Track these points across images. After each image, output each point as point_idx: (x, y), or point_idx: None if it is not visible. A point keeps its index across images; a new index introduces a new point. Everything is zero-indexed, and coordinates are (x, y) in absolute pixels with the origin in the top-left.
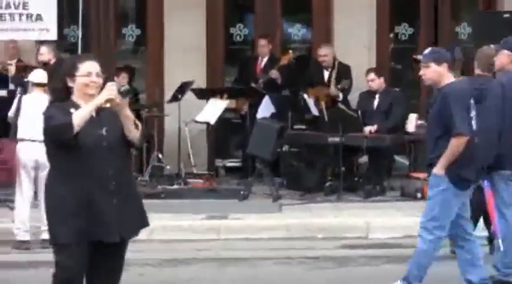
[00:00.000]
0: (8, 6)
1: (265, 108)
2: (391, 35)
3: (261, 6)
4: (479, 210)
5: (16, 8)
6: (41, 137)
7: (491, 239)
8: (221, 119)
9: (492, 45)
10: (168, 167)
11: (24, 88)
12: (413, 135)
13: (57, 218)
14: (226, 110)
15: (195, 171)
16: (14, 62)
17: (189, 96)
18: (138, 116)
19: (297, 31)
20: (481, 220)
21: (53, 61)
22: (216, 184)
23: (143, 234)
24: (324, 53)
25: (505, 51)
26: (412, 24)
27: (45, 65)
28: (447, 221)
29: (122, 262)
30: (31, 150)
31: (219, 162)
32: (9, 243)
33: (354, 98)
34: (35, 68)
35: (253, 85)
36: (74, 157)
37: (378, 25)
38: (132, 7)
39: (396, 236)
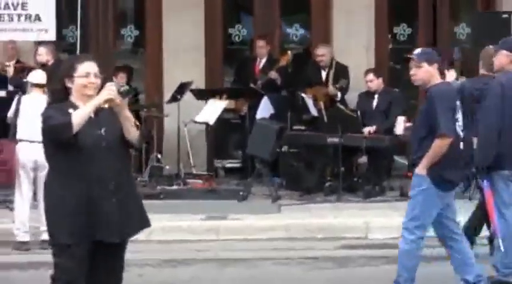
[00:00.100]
0: (6, 6)
1: (265, 109)
2: (390, 36)
3: (259, 7)
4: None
5: (15, 8)
6: (40, 138)
7: (491, 239)
8: (220, 119)
9: (491, 46)
10: (167, 167)
11: (23, 89)
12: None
13: (56, 219)
14: (226, 111)
15: (194, 172)
16: (12, 62)
17: (188, 96)
18: (137, 116)
19: (295, 32)
20: None
21: (51, 62)
22: (215, 184)
23: (142, 235)
24: (321, 53)
25: (504, 52)
26: (410, 24)
27: (43, 66)
28: (428, 221)
29: (122, 262)
30: (30, 151)
31: (218, 163)
32: (9, 244)
33: (352, 98)
34: (34, 68)
35: (252, 86)
36: (72, 157)
37: (377, 26)
38: (131, 8)
39: (395, 237)
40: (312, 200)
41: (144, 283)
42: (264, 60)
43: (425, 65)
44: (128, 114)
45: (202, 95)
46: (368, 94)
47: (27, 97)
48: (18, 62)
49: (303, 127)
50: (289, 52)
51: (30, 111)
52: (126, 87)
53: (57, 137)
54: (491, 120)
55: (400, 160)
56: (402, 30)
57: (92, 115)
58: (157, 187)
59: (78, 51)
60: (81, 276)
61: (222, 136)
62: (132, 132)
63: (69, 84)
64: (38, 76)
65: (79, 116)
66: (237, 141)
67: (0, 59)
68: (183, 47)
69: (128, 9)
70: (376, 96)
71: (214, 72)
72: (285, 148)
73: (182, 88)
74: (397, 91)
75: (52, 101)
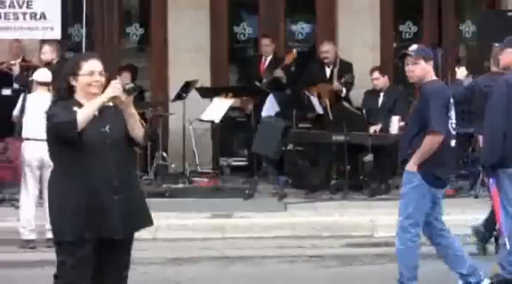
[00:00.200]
0: (12, 5)
1: (270, 107)
2: (395, 34)
3: (264, 6)
4: None
5: (20, 7)
6: (45, 136)
7: (496, 237)
8: (226, 118)
9: (496, 44)
10: (173, 165)
11: (29, 87)
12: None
13: (59, 216)
14: (231, 109)
15: (199, 170)
16: (18, 61)
17: (194, 94)
18: (142, 115)
19: (300, 30)
20: None
21: (55, 60)
22: (220, 182)
23: (148, 233)
24: (325, 50)
25: (509, 50)
26: (416, 22)
27: (47, 64)
28: (421, 218)
29: (128, 260)
30: (36, 149)
31: (223, 161)
32: (14, 242)
33: (357, 96)
34: (39, 67)
35: (257, 84)
36: (77, 155)
37: (382, 24)
38: (136, 6)
39: None
40: (317, 198)
41: (149, 281)
42: (269, 59)
43: (422, 61)
44: (133, 111)
45: (208, 93)
46: (373, 93)
47: (32, 95)
48: (23, 60)
49: (308, 126)
50: (294, 50)
51: (36, 109)
52: (132, 85)
53: (62, 135)
54: (496, 118)
55: None
56: (407, 28)
57: (97, 113)
58: (163, 186)
59: (83, 50)
60: (84, 274)
61: (228, 134)
62: (137, 130)
63: (73, 83)
64: (42, 74)
65: (84, 114)
66: (243, 139)
67: (5, 58)
68: (188, 46)
69: (133, 7)
70: (381, 94)
71: (219, 71)
72: (290, 146)
73: (187, 86)
74: (402, 88)
75: (57, 99)
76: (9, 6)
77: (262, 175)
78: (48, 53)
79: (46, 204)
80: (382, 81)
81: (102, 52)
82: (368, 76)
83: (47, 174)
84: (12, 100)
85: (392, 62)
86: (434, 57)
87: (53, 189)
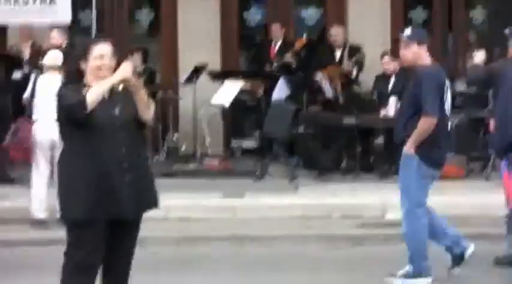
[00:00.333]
0: None
1: (281, 90)
2: (405, 19)
3: None
4: None
5: None
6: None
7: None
8: (237, 101)
9: (507, 29)
10: (183, 147)
11: (39, 70)
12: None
13: (69, 195)
14: (242, 92)
15: (210, 152)
16: (28, 44)
17: (204, 78)
18: (153, 97)
19: (310, 15)
20: None
21: (64, 45)
22: (231, 164)
23: (159, 213)
24: (334, 33)
25: None
26: (426, 7)
27: (56, 49)
28: (425, 198)
29: (135, 241)
30: (47, 130)
31: (234, 143)
32: (26, 222)
33: (367, 80)
34: (49, 50)
35: (267, 68)
36: (86, 136)
37: (392, 8)
38: None
39: None
40: (328, 179)
41: (160, 260)
42: (279, 43)
43: (414, 45)
44: (143, 94)
45: (218, 77)
46: (384, 77)
47: (43, 78)
48: (33, 44)
49: (319, 108)
50: (303, 36)
51: (46, 91)
52: (142, 67)
53: (72, 115)
54: (506, 102)
55: None
56: (418, 14)
57: (107, 95)
58: (174, 166)
59: (93, 34)
60: (94, 254)
61: (238, 117)
62: (146, 112)
63: (83, 66)
64: (53, 57)
65: (94, 94)
66: (254, 122)
67: (15, 42)
68: (198, 30)
69: None
70: (392, 78)
71: (229, 56)
72: (301, 129)
73: (197, 70)
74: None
75: (67, 82)
76: None
77: (273, 158)
78: (57, 38)
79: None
80: (392, 65)
81: (112, 37)
82: (378, 61)
83: (58, 155)
84: (23, 83)
85: None
86: (444, 43)
87: (62, 168)
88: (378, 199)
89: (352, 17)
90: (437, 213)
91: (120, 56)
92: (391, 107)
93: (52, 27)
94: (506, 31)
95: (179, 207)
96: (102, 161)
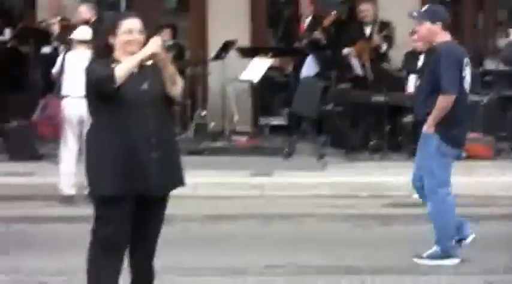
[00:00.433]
0: None
1: (310, 67)
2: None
3: None
4: None
5: None
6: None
7: None
8: (265, 77)
9: None
10: (212, 124)
11: (68, 45)
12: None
13: (97, 171)
14: (271, 69)
15: (238, 129)
16: (57, 19)
17: (233, 54)
18: (182, 73)
19: None
20: None
21: (93, 20)
22: (259, 142)
23: (187, 190)
24: (364, 9)
25: None
26: None
27: (85, 24)
28: (448, 177)
29: (162, 217)
30: (76, 106)
31: (263, 120)
32: (55, 198)
33: (396, 57)
34: (78, 25)
35: (296, 44)
36: (115, 111)
37: None
38: None
39: None
40: (356, 158)
41: (188, 238)
42: (308, 20)
43: (427, 23)
44: (171, 69)
45: (247, 53)
46: (413, 54)
47: (72, 53)
48: (63, 19)
49: (348, 86)
50: (333, 13)
51: (75, 67)
52: (171, 42)
53: (100, 90)
54: None
55: None
56: None
57: (136, 70)
58: (202, 144)
59: (122, 9)
60: (121, 230)
61: (267, 94)
62: (175, 87)
63: (112, 41)
64: (82, 32)
65: (122, 69)
66: (282, 99)
67: (45, 16)
68: (228, 6)
69: None
70: (421, 56)
71: (258, 32)
72: (329, 107)
73: (226, 46)
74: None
75: (96, 57)
76: None
77: (301, 135)
78: (86, 13)
79: None
80: (421, 43)
81: (141, 11)
82: (408, 38)
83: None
84: (51, 59)
85: None
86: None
87: (90, 144)
88: (405, 178)
89: None
90: (465, 193)
91: (149, 32)
92: (410, 85)
93: (81, 2)
94: None
95: (207, 185)
96: (129, 136)
